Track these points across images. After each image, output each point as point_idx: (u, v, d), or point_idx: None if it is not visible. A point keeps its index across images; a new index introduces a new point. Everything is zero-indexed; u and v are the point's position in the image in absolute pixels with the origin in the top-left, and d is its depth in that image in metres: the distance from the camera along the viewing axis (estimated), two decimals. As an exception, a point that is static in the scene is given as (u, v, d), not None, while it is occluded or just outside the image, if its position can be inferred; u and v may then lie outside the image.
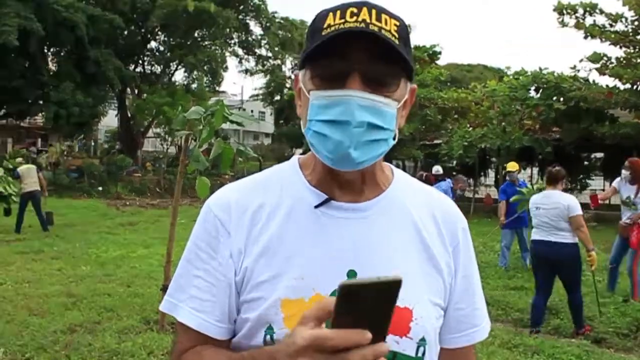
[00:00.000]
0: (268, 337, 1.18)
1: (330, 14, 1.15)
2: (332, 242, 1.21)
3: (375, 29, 1.11)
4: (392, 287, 0.91)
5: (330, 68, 1.14)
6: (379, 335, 0.92)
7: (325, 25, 1.14)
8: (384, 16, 1.14)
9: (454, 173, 12.06)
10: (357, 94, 1.12)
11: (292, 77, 51.84)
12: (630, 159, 8.60)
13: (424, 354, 1.23)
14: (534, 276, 7.54)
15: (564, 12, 19.14)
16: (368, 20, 1.12)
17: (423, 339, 1.22)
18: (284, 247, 1.22)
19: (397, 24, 1.16)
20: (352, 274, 1.20)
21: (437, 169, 12.13)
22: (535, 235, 7.13)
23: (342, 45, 1.12)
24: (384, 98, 1.15)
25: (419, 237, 1.28)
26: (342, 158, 1.14)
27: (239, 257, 1.23)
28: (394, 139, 1.20)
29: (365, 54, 1.12)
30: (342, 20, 1.12)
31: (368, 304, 0.90)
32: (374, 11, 1.14)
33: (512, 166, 11.17)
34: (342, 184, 1.25)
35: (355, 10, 1.13)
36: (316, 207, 1.24)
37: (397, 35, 1.13)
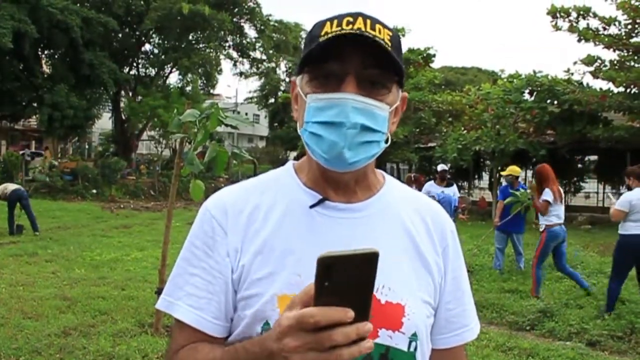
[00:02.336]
0: (264, 332, 1.19)
1: (328, 22, 1.22)
2: (327, 240, 1.25)
3: (369, 35, 1.17)
4: (369, 260, 0.92)
5: (327, 71, 1.20)
6: (361, 313, 0.92)
7: (322, 33, 1.20)
8: (378, 26, 1.21)
9: (449, 177, 11.83)
10: (352, 97, 1.17)
11: (287, 79, 51.95)
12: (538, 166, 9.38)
13: (415, 349, 1.27)
14: (617, 266, 7.84)
15: (558, 15, 19.20)
16: (363, 29, 1.18)
17: (415, 335, 1.26)
18: (280, 245, 1.25)
19: (390, 34, 1.22)
20: None
21: (442, 167, 11.87)
22: (636, 229, 7.55)
23: (338, 49, 1.18)
24: (377, 102, 1.20)
25: (409, 238, 1.33)
26: (336, 158, 1.20)
27: (235, 255, 1.27)
28: (386, 142, 1.25)
29: (360, 58, 1.18)
30: (339, 28, 1.19)
31: (347, 278, 0.91)
32: (368, 21, 1.20)
33: (511, 170, 11.09)
34: (336, 185, 1.30)
35: (351, 19, 1.20)
36: (311, 206, 1.29)
37: (390, 44, 1.19)
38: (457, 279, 1.39)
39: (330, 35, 1.18)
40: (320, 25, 1.23)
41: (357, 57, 1.18)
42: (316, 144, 1.21)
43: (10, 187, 14.71)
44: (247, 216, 1.29)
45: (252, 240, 1.27)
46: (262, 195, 1.32)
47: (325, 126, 1.19)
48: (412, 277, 1.29)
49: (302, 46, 1.30)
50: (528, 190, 10.56)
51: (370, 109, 1.19)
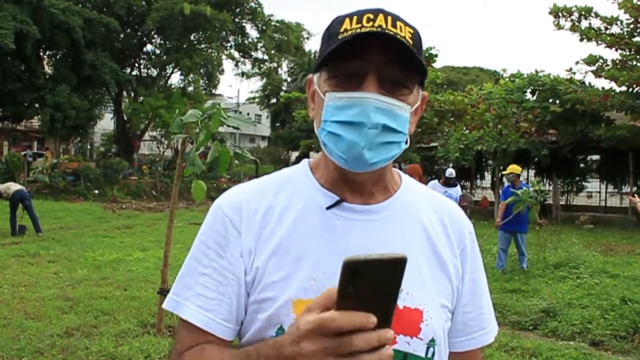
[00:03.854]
0: (280, 336, 1.16)
1: (347, 19, 1.18)
2: (343, 243, 1.22)
3: (391, 34, 1.13)
4: (396, 266, 0.88)
5: (347, 69, 1.16)
6: (384, 320, 0.89)
7: (341, 30, 1.16)
8: (399, 23, 1.16)
9: (453, 182, 11.86)
10: (373, 96, 1.14)
11: (289, 79, 52.00)
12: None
13: (433, 354, 1.24)
14: None
15: (560, 15, 19.19)
16: (384, 26, 1.14)
17: (433, 340, 1.23)
18: (295, 247, 1.22)
19: (412, 31, 1.18)
20: None
21: (451, 172, 11.88)
22: None
23: (359, 47, 1.14)
24: (399, 101, 1.17)
25: (427, 240, 1.29)
26: (355, 158, 1.16)
27: (249, 256, 1.23)
28: (405, 142, 1.21)
29: (381, 57, 1.14)
30: (359, 25, 1.15)
31: (372, 283, 0.87)
32: (389, 18, 1.16)
33: (512, 169, 11.09)
34: (353, 186, 1.26)
35: (371, 16, 1.16)
36: (328, 208, 1.25)
37: (411, 42, 1.16)
38: (474, 281, 1.36)
39: (350, 33, 1.14)
40: (339, 21, 1.19)
41: (378, 55, 1.14)
42: (334, 144, 1.17)
43: (13, 187, 14.71)
44: (261, 216, 1.26)
45: (267, 241, 1.23)
46: (277, 195, 1.29)
47: (344, 126, 1.15)
48: (430, 281, 1.27)
49: (320, 42, 1.25)
50: (530, 189, 10.55)
51: (392, 109, 1.15)
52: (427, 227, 1.30)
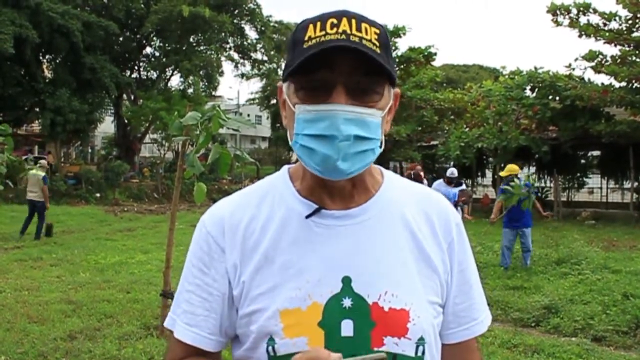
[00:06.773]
0: (270, 348, 1.20)
1: (311, 25, 1.16)
2: (326, 250, 1.23)
3: (356, 39, 1.12)
4: None
5: (314, 82, 1.15)
6: None
7: (306, 37, 1.15)
8: (364, 25, 1.15)
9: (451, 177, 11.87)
10: (342, 108, 1.13)
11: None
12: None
13: (423, 353, 1.24)
14: None
15: (558, 12, 19.21)
16: (349, 31, 1.12)
17: (422, 339, 1.23)
18: (279, 258, 1.23)
19: (378, 31, 1.16)
20: (347, 280, 1.21)
21: (452, 172, 11.84)
22: None
23: (324, 58, 1.12)
24: (369, 109, 1.16)
25: (412, 238, 1.29)
26: (330, 170, 1.16)
27: (234, 271, 1.26)
28: (380, 146, 1.21)
29: (348, 67, 1.13)
30: (323, 32, 1.13)
31: None
32: (353, 21, 1.14)
33: (510, 170, 10.98)
34: (331, 191, 1.26)
35: (335, 21, 1.14)
36: (307, 217, 1.25)
37: (378, 44, 1.14)
38: (463, 272, 1.35)
39: (314, 43, 1.12)
40: (303, 27, 1.17)
41: (344, 65, 1.12)
42: (309, 157, 1.17)
43: (30, 189, 15.29)
44: (244, 229, 1.27)
45: (251, 255, 1.25)
46: (259, 206, 1.30)
47: (316, 139, 1.14)
48: (417, 279, 1.26)
49: (287, 49, 1.24)
50: (522, 182, 10.50)
51: (362, 117, 1.14)
52: (411, 224, 1.29)
